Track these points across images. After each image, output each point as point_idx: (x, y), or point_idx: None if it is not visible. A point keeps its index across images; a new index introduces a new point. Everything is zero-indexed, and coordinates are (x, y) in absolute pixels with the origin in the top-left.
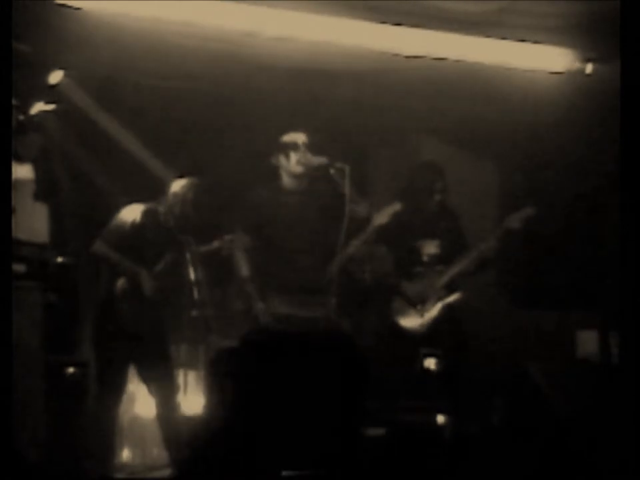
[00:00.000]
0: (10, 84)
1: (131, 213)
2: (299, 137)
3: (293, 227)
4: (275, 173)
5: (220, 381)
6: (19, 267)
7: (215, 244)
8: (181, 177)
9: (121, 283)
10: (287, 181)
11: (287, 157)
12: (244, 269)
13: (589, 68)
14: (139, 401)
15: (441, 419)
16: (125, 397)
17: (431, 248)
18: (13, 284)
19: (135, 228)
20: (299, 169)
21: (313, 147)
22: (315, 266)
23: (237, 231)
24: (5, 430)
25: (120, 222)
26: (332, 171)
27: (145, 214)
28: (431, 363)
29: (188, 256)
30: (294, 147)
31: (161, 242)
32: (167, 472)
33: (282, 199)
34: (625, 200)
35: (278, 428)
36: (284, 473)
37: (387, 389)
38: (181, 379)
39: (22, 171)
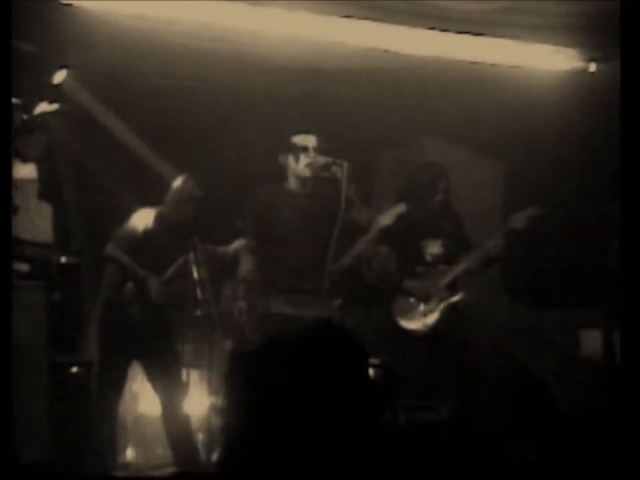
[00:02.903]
0: (10, 83)
1: (143, 218)
2: (310, 140)
3: (295, 228)
4: (280, 173)
5: (227, 382)
6: (22, 267)
7: (220, 248)
8: (182, 176)
9: (130, 286)
10: (292, 182)
11: (297, 159)
12: (247, 270)
13: (592, 67)
14: (143, 400)
15: (441, 418)
16: (128, 396)
17: (434, 247)
18: (14, 283)
19: (147, 233)
20: (306, 172)
21: (317, 147)
22: (317, 267)
23: (241, 232)
24: (6, 430)
25: (132, 226)
26: (334, 169)
27: (157, 219)
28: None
29: (191, 255)
30: (304, 149)
31: (172, 247)
32: (170, 471)
33: (286, 201)
34: (626, 199)
35: (281, 427)
36: None
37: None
38: (185, 378)
39: (25, 171)
